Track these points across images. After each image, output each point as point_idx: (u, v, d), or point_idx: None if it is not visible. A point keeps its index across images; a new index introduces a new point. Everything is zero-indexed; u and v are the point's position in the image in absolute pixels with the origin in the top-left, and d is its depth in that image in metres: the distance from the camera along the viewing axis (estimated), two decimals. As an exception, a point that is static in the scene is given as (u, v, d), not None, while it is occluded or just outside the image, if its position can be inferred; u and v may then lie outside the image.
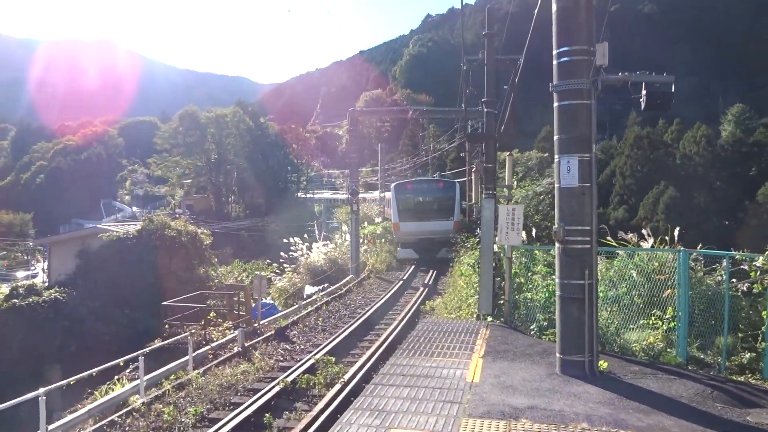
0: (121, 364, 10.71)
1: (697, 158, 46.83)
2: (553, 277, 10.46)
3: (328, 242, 31.91)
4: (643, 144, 49.93)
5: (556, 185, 6.90)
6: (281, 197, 66.31)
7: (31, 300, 22.39)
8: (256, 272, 22.35)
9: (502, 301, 10.73)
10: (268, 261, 29.23)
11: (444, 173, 56.73)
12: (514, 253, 10.34)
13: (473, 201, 12.81)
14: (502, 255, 11.02)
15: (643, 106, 6.54)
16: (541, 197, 22.67)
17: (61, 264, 25.53)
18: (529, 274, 10.36)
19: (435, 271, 25.37)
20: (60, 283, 23.95)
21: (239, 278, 23.24)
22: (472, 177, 13.05)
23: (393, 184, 30.07)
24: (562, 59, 6.77)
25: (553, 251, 11.07)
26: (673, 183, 45.70)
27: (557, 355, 6.94)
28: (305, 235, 34.54)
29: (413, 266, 27.76)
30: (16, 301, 21.86)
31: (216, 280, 23.50)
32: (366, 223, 35.45)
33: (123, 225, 28.38)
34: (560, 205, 6.84)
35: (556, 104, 6.88)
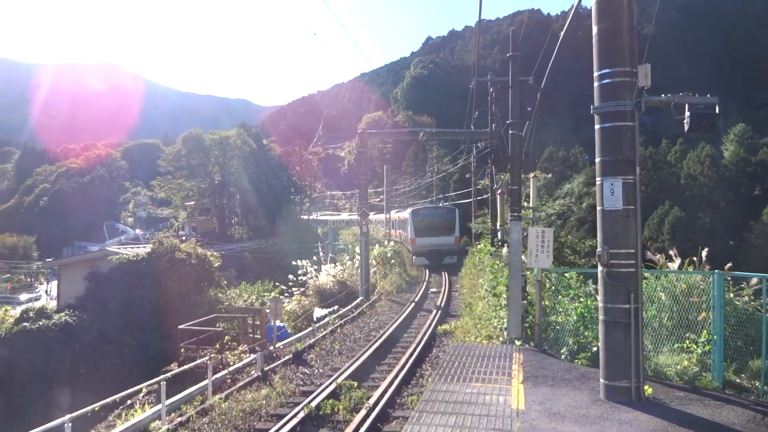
0: (144, 390, 10.53)
1: (702, 178, 46.90)
2: (581, 299, 10.35)
3: (336, 264, 31.75)
4: (647, 164, 50.04)
5: (599, 208, 6.80)
6: (284, 219, 66.30)
7: (41, 323, 22.21)
8: (274, 295, 22.14)
9: (529, 324, 10.57)
10: (275, 283, 29.06)
11: (447, 194, 56.87)
12: (543, 275, 10.21)
13: (498, 223, 12.73)
14: (529, 277, 10.88)
15: (686, 128, 6.47)
16: (552, 218, 22.60)
17: (70, 287, 25.35)
18: (558, 296, 10.22)
19: (446, 293, 25.49)
20: (70, 306, 23.78)
21: (249, 301, 23.02)
22: (497, 198, 12.97)
23: (409, 210, 41.66)
24: (604, 81, 6.72)
25: (569, 273, 10.97)
26: (678, 203, 45.69)
27: (601, 380, 6.79)
28: (313, 257, 34.44)
29: (424, 287, 27.94)
30: (26, 324, 21.68)
31: (226, 303, 23.30)
32: (377, 245, 35.38)
33: (133, 248, 28.23)
34: (603, 228, 6.73)
35: (597, 126, 6.82)
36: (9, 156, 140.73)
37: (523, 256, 11.22)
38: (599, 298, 6.82)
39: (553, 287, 10.72)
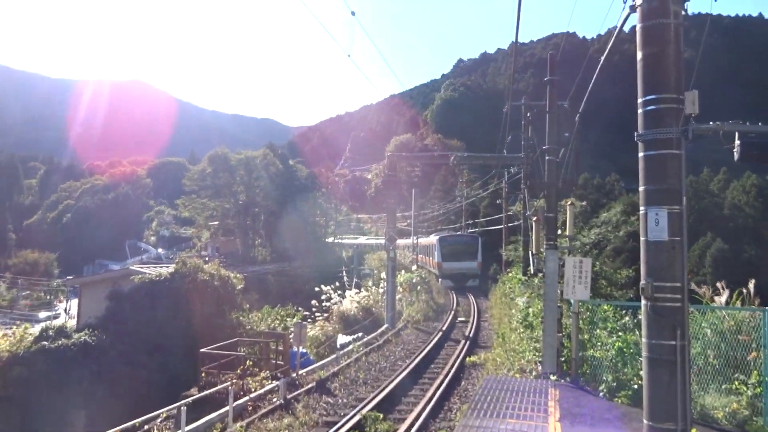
0: (164, 415, 10.56)
1: (747, 209, 45.95)
2: (620, 333, 10.16)
3: (361, 289, 31.76)
4: (687, 193, 49.21)
5: (642, 238, 6.70)
6: (309, 242, 66.54)
7: (60, 342, 22.47)
8: (296, 320, 22.17)
9: (565, 358, 10.39)
10: (298, 308, 29.16)
11: (477, 220, 56.72)
12: (581, 307, 10.06)
13: (533, 251, 12.64)
14: (564, 309, 10.73)
15: (736, 157, 6.37)
16: (587, 248, 22.31)
17: (91, 305, 25.73)
18: (595, 330, 10.05)
19: (475, 323, 25.36)
20: (89, 326, 24.04)
21: (272, 326, 23.05)
22: (532, 225, 12.89)
23: (436, 236, 47.23)
24: (649, 107, 6.67)
25: (606, 305, 10.78)
26: (721, 234, 44.76)
27: (644, 421, 6.61)
28: (336, 283, 34.52)
29: (451, 315, 27.90)
30: (45, 343, 21.96)
31: (248, 327, 23.37)
32: (403, 271, 35.36)
33: (156, 267, 28.60)
34: (647, 260, 6.62)
35: (641, 153, 6.76)
36: (34, 171, 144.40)
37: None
38: (643, 333, 6.69)
39: (590, 320, 10.55)
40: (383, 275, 31.59)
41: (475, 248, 44.39)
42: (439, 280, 42.35)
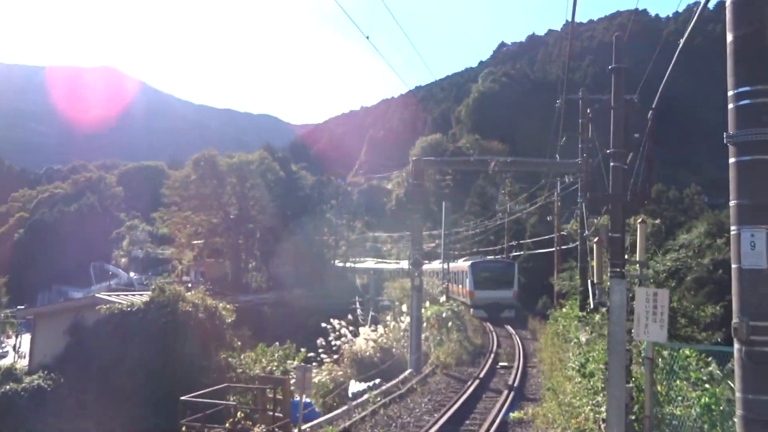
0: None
1: None
2: (706, 386, 10.02)
3: (378, 325, 31.84)
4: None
5: (734, 266, 6.60)
6: (315, 266, 66.87)
7: (7, 388, 22.71)
8: (299, 362, 22.21)
9: (635, 417, 10.27)
10: (300, 348, 29.24)
11: (522, 241, 56.65)
12: (655, 351, 9.96)
13: (594, 280, 12.60)
14: (633, 354, 10.63)
15: None
16: (662, 277, 22.08)
17: (47, 342, 25.96)
18: (674, 381, 9.93)
19: (520, 369, 25.30)
20: (45, 367, 24.29)
21: (269, 369, 23.12)
22: (593, 248, 12.84)
23: (469, 262, 50.82)
24: (742, 102, 6.58)
25: (687, 350, 10.61)
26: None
27: (738, 498, 6.48)
28: (348, 316, 34.56)
29: (491, 359, 27.93)
30: (-11, 388, 22.20)
31: (239, 370, 23.46)
32: (428, 302, 35.34)
33: (127, 295, 28.86)
34: (741, 293, 6.51)
35: (732, 160, 6.66)
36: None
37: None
38: (736, 386, 6.56)
39: (667, 367, 10.43)
40: (406, 308, 31.57)
41: (510, 276, 47.94)
42: (471, 310, 44.66)
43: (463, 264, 52.01)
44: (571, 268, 32.64)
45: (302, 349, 28.01)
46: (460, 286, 50.84)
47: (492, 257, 57.31)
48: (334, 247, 73.12)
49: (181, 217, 67.50)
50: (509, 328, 41.43)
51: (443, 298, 41.56)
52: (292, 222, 66.28)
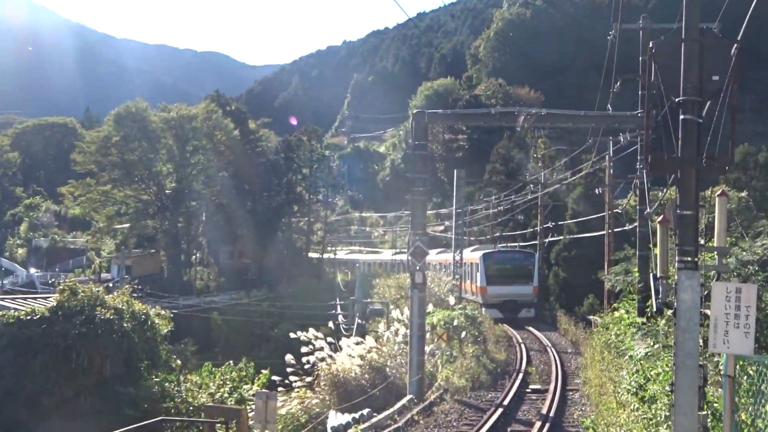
0: None
1: None
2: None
3: (366, 337, 31.84)
4: None
5: None
6: (282, 257, 66.88)
7: None
8: (258, 388, 22.25)
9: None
10: (262, 370, 29.27)
11: (561, 221, 56.71)
12: (738, 367, 9.98)
13: (657, 273, 12.55)
14: (709, 372, 10.65)
15: None
16: (749, 269, 22.12)
17: None
18: (764, 406, 9.97)
19: (558, 393, 25.58)
20: None
21: (219, 396, 23.16)
22: (657, 230, 12.77)
23: (480, 254, 53.26)
24: None
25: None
26: None
27: None
28: (328, 323, 34.57)
29: (518, 380, 28.29)
30: None
31: (177, 399, 23.43)
32: (431, 306, 35.44)
33: (26, 299, 28.79)
34: None
35: None
36: None
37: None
38: None
39: (754, 388, 10.46)
40: (403, 314, 31.65)
41: (530, 268, 52.20)
42: (482, 310, 46.74)
43: (473, 254, 54.51)
44: (627, 258, 32.57)
45: (263, 371, 28.04)
46: (470, 281, 53.46)
47: (505, 246, 60.86)
48: (307, 233, 73.24)
49: (99, 192, 66.68)
50: (542, 338, 41.69)
51: (452, 299, 41.63)
52: (251, 198, 66.27)
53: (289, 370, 28.91)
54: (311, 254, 71.99)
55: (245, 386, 24.84)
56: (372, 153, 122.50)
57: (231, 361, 27.53)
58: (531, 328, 46.46)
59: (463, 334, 32.55)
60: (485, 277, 50.55)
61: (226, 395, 23.79)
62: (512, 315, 49.42)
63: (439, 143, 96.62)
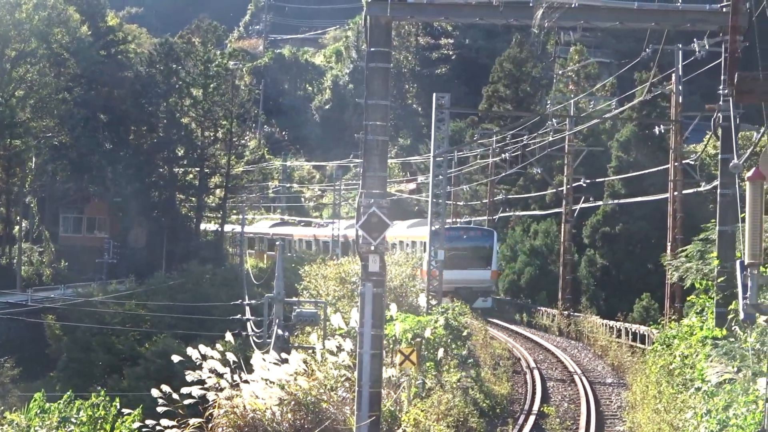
0: None
1: None
2: None
3: (292, 355, 31.89)
4: None
5: None
6: (156, 230, 66.58)
7: None
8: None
9: None
10: (121, 409, 29.34)
11: (598, 179, 57.00)
12: None
13: (746, 260, 12.53)
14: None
15: None
16: None
17: None
18: None
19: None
20: None
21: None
22: (747, 192, 12.78)
23: (424, 230, 57.05)
24: None
25: None
26: None
27: None
28: (227, 335, 34.58)
29: (527, 427, 28.91)
30: None
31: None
32: (393, 307, 35.52)
33: None
34: None
35: None
36: None
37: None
38: None
39: None
40: (350, 321, 31.71)
41: (488, 250, 60.14)
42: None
43: (415, 231, 60.98)
44: (706, 236, 32.80)
45: (128, 414, 28.12)
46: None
47: (461, 225, 68.61)
48: (199, 191, 73.08)
49: None
50: (566, 360, 42.05)
51: (422, 299, 41.63)
52: (110, 136, 66.01)
53: (161, 409, 28.58)
54: (205, 226, 72.12)
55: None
56: (303, 66, 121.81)
57: (73, 390, 27.52)
58: (549, 345, 46.85)
59: (442, 352, 32.55)
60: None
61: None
62: (467, 305, 52.67)
63: (411, 52, 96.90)
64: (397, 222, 53.90)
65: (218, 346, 30.52)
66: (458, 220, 69.92)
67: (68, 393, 26.72)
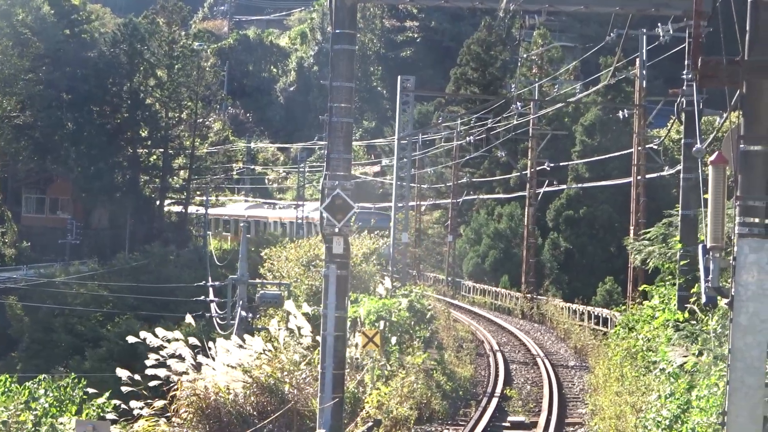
0: None
1: None
2: None
3: (255, 337, 31.84)
4: None
5: None
6: (119, 211, 66.44)
7: None
8: (83, 418, 22.34)
9: None
10: (86, 388, 29.24)
11: (563, 163, 57.17)
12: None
13: (709, 243, 12.64)
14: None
15: None
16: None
17: None
18: None
19: (553, 425, 26.09)
20: None
21: (21, 428, 23.24)
22: (710, 177, 12.85)
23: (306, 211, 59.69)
24: None
25: None
26: None
27: None
28: (188, 318, 34.52)
29: (491, 405, 28.87)
30: None
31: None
32: (358, 294, 35.66)
33: None
34: None
35: None
36: None
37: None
38: None
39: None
40: (317, 305, 31.63)
41: None
42: None
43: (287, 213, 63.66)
44: (667, 220, 32.96)
45: (86, 390, 28.02)
46: None
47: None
48: (163, 172, 72.97)
49: None
50: (530, 342, 42.18)
51: (385, 281, 41.65)
52: (73, 116, 65.81)
53: (125, 389, 28.48)
54: (168, 207, 71.97)
55: (62, 415, 24.80)
56: (268, 47, 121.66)
57: (45, 376, 27.47)
58: (513, 328, 46.92)
59: (406, 335, 32.59)
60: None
61: (30, 427, 23.84)
62: None
63: (376, 34, 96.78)
64: (358, 206, 54.53)
65: (177, 332, 30.37)
66: (423, 203, 70.05)
67: (40, 377, 26.66)
